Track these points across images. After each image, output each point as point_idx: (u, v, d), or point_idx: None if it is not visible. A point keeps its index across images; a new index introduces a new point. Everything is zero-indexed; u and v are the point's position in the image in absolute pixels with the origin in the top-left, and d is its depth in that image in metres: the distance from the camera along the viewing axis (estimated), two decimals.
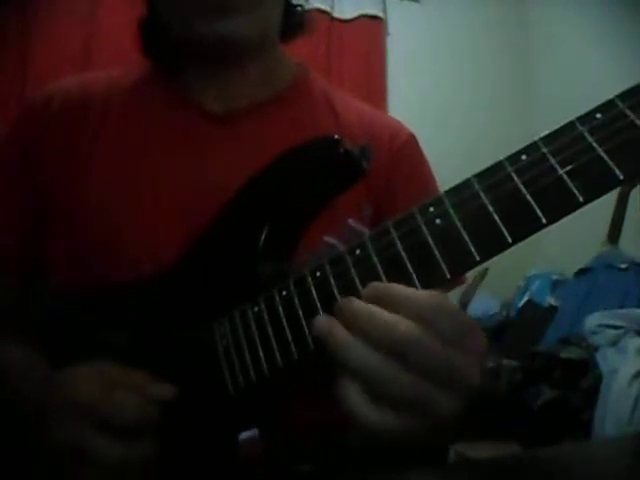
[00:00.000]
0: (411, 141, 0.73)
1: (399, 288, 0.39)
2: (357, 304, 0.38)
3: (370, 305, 0.38)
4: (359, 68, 2.90)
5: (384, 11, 3.00)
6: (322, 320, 0.40)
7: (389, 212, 0.66)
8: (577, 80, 2.52)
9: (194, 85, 0.70)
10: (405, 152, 0.72)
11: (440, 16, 3.09)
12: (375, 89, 2.88)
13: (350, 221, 0.64)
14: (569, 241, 2.41)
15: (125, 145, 0.67)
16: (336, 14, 2.92)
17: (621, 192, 2.18)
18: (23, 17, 2.54)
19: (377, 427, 0.37)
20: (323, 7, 2.87)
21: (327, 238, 0.62)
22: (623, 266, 2.13)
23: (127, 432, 0.48)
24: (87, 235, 0.64)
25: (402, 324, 0.36)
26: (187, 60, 0.70)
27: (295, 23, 0.74)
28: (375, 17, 2.97)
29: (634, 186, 2.15)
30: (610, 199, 2.19)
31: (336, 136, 0.52)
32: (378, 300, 0.38)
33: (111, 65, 0.80)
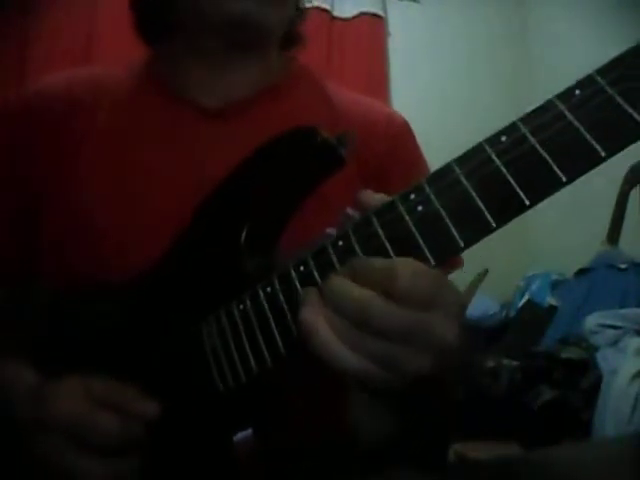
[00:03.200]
0: (405, 127, 0.74)
1: (370, 262, 0.40)
2: (329, 281, 0.40)
3: (339, 280, 0.40)
4: (361, 66, 2.90)
5: (384, 10, 3.00)
6: (305, 292, 0.42)
7: (386, 192, 0.67)
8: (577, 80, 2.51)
9: (188, 78, 0.69)
10: (400, 138, 0.72)
11: (440, 16, 3.09)
12: (377, 87, 2.88)
13: (348, 210, 0.64)
14: (569, 241, 2.41)
15: (116, 144, 0.66)
16: (336, 13, 2.92)
17: (621, 192, 2.17)
18: (23, 16, 2.53)
19: (358, 373, 0.39)
20: (323, 5, 2.87)
21: (329, 230, 0.61)
22: (623, 266, 2.13)
23: (111, 451, 0.48)
24: (78, 235, 0.63)
25: (359, 295, 0.38)
26: (187, 46, 0.69)
27: (294, 34, 0.75)
28: (375, 15, 2.97)
29: (634, 186, 2.15)
30: (610, 199, 2.18)
31: (313, 126, 0.52)
32: (353, 275, 0.40)
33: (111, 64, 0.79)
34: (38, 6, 2.55)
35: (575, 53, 2.79)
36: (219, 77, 0.68)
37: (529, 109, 0.38)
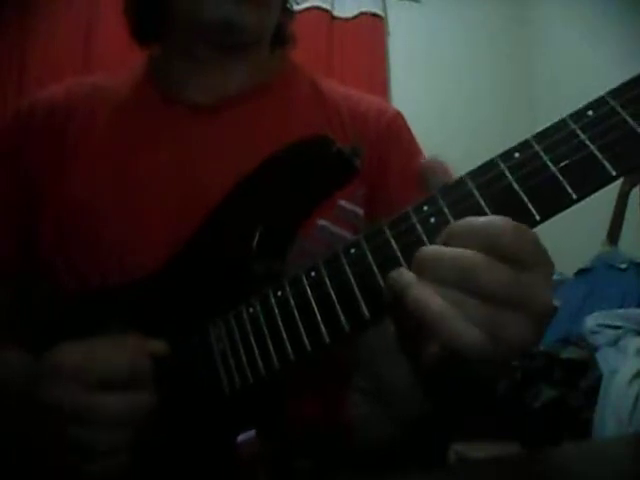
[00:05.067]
0: (398, 118, 0.74)
1: (466, 221, 0.37)
2: (423, 250, 0.37)
3: (434, 246, 0.36)
4: (361, 66, 2.90)
5: (384, 10, 3.01)
6: (397, 272, 0.38)
7: (382, 188, 0.67)
8: (576, 79, 2.52)
9: (181, 79, 0.70)
10: (392, 129, 0.72)
11: (440, 16, 3.09)
12: (377, 87, 2.88)
13: (342, 202, 0.64)
14: (569, 241, 2.41)
15: (112, 146, 0.66)
16: (336, 13, 2.93)
17: (621, 192, 2.18)
18: (23, 16, 2.53)
19: (472, 346, 0.34)
20: (323, 6, 2.88)
21: (320, 221, 0.62)
22: (623, 266, 2.13)
23: (121, 386, 0.47)
24: (76, 237, 0.63)
25: (463, 255, 0.35)
26: (178, 49, 0.70)
27: (285, 34, 0.76)
28: (375, 15, 2.97)
29: (634, 186, 2.15)
30: (610, 199, 2.19)
31: (328, 135, 0.52)
32: (448, 240, 0.36)
33: (111, 65, 0.80)
34: (38, 6, 2.55)
35: (575, 53, 2.79)
36: (210, 77, 0.69)
37: (542, 127, 0.39)
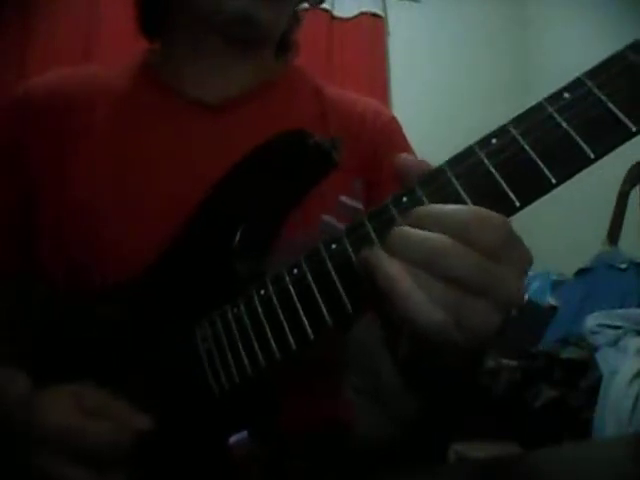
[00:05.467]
0: (392, 122, 0.76)
1: (437, 207, 0.37)
2: (395, 231, 0.37)
3: (405, 227, 0.37)
4: (361, 66, 2.90)
5: (384, 10, 3.01)
6: (370, 249, 0.38)
7: (376, 186, 0.69)
8: None
9: (186, 74, 0.69)
10: (387, 129, 0.74)
11: (440, 16, 3.09)
12: (377, 87, 2.88)
13: (343, 198, 0.64)
14: (569, 241, 2.41)
15: (112, 143, 0.66)
16: (336, 13, 2.93)
17: (621, 192, 2.17)
18: (23, 17, 2.53)
19: (434, 327, 0.35)
20: (323, 5, 2.87)
21: (324, 216, 0.62)
22: (623, 266, 2.13)
23: (102, 462, 0.47)
24: (76, 237, 0.63)
25: (431, 237, 0.35)
26: (186, 43, 0.70)
27: (289, 40, 0.77)
28: (375, 15, 2.98)
29: (634, 186, 2.15)
30: (610, 199, 2.18)
31: (305, 129, 0.52)
32: (419, 222, 0.36)
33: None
34: (38, 6, 2.55)
35: (575, 53, 2.79)
36: (216, 74, 0.69)
37: (520, 111, 0.39)
